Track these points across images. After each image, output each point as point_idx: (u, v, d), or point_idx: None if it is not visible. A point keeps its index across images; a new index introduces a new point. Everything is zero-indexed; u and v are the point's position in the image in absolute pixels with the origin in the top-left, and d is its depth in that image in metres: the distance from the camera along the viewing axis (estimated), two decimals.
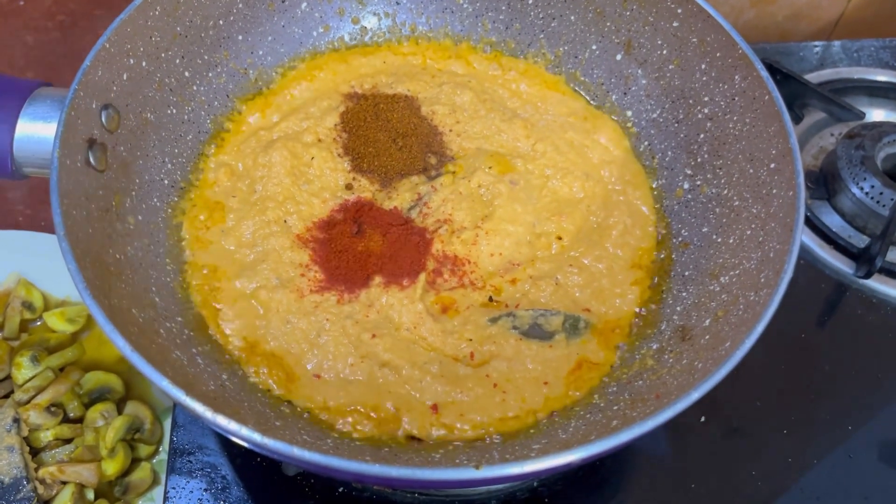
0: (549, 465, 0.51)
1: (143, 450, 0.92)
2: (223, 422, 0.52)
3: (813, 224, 0.95)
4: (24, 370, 0.92)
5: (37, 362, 0.93)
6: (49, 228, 1.08)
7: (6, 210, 1.11)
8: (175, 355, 0.64)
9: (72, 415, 0.92)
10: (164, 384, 0.53)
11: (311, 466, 0.52)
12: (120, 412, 0.93)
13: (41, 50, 1.28)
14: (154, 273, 0.71)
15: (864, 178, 0.93)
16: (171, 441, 0.77)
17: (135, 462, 0.91)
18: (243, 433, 0.52)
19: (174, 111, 0.79)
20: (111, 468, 0.87)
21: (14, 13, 1.31)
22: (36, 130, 0.67)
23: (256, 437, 0.51)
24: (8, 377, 0.94)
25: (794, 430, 0.80)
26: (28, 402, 0.91)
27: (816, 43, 1.15)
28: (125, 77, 0.72)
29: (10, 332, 0.98)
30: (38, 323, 1.01)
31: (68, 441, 0.91)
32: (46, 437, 0.90)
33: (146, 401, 0.95)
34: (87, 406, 0.93)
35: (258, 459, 0.76)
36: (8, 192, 1.12)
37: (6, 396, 0.93)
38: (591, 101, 0.87)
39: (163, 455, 0.93)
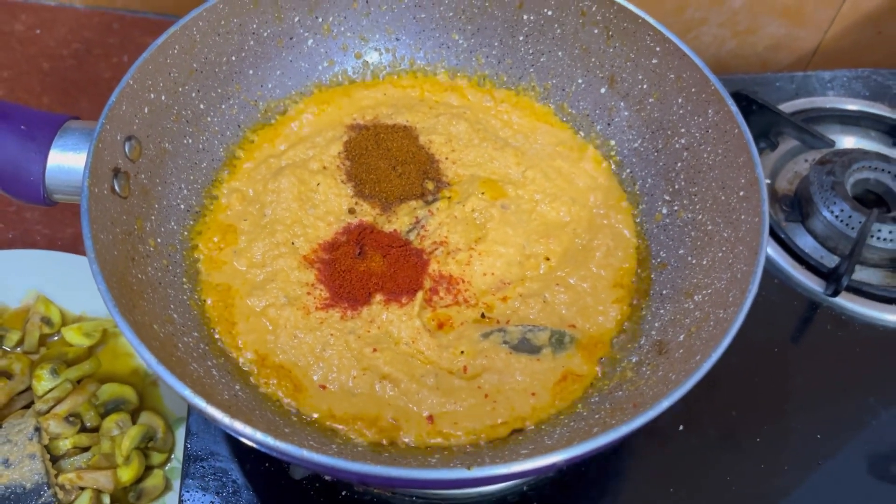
0: (534, 466, 0.56)
1: (156, 457, 0.97)
2: (239, 426, 0.58)
3: (786, 245, 1.01)
4: (44, 382, 0.98)
5: (56, 374, 0.98)
6: (66, 247, 1.14)
7: (25, 230, 1.17)
8: (192, 367, 0.69)
9: (89, 424, 0.98)
10: (187, 393, 0.59)
11: (319, 468, 0.58)
12: (134, 422, 0.98)
13: (57, 76, 1.34)
14: (172, 291, 0.76)
15: (835, 202, 0.99)
16: (185, 448, 0.82)
17: (148, 469, 0.96)
18: (258, 437, 0.57)
19: (190, 141, 0.85)
20: (126, 475, 0.93)
21: (31, 41, 1.38)
22: (66, 161, 0.73)
23: (269, 440, 0.56)
24: (28, 388, 0.99)
25: (767, 440, 0.86)
26: (48, 412, 0.96)
27: (792, 74, 1.21)
28: (146, 110, 0.78)
29: (30, 346, 1.03)
30: (56, 338, 1.06)
31: (86, 449, 0.96)
32: (65, 445, 0.95)
33: (159, 411, 1.01)
34: (103, 416, 0.99)
35: (266, 465, 0.81)
36: (26, 212, 1.18)
37: (27, 407, 0.98)
38: (578, 131, 0.94)
39: (175, 463, 0.98)
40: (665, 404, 0.60)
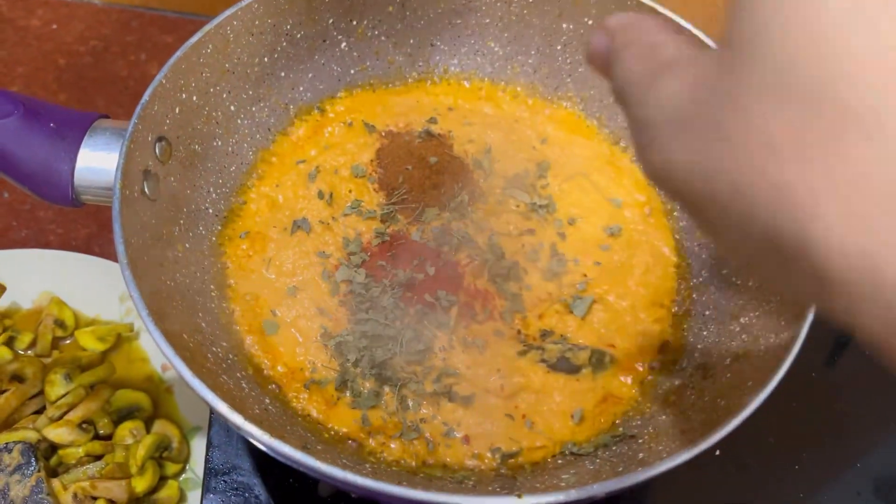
0: (588, 495, 0.54)
1: (170, 468, 0.94)
2: (279, 446, 0.55)
3: None
4: (57, 387, 0.95)
5: (70, 380, 0.95)
6: (79, 248, 1.11)
7: (38, 229, 1.14)
8: (223, 379, 0.67)
9: (101, 432, 0.95)
10: (223, 409, 0.56)
11: (361, 490, 0.55)
12: (147, 430, 0.95)
13: (73, 73, 1.31)
14: (200, 299, 0.74)
15: None
16: (207, 461, 0.80)
17: (162, 480, 0.93)
18: (298, 457, 0.55)
19: (219, 143, 0.82)
20: (140, 485, 0.90)
21: (47, 36, 1.35)
22: (96, 161, 0.70)
23: (312, 462, 0.54)
24: (40, 393, 0.96)
25: (806, 468, 0.83)
26: (60, 417, 0.93)
27: None
28: (177, 111, 0.76)
29: (43, 349, 1.00)
30: (69, 341, 1.04)
31: (98, 457, 0.93)
32: (78, 452, 0.92)
33: (173, 419, 0.98)
34: (116, 423, 0.96)
35: (290, 480, 0.79)
36: (39, 210, 1.15)
37: (38, 412, 0.95)
38: (616, 144, 0.91)
39: (189, 473, 0.95)
40: (721, 433, 0.58)
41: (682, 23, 0.83)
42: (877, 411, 0.89)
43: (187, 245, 0.76)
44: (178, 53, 0.75)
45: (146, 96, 0.71)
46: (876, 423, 0.88)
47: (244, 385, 0.69)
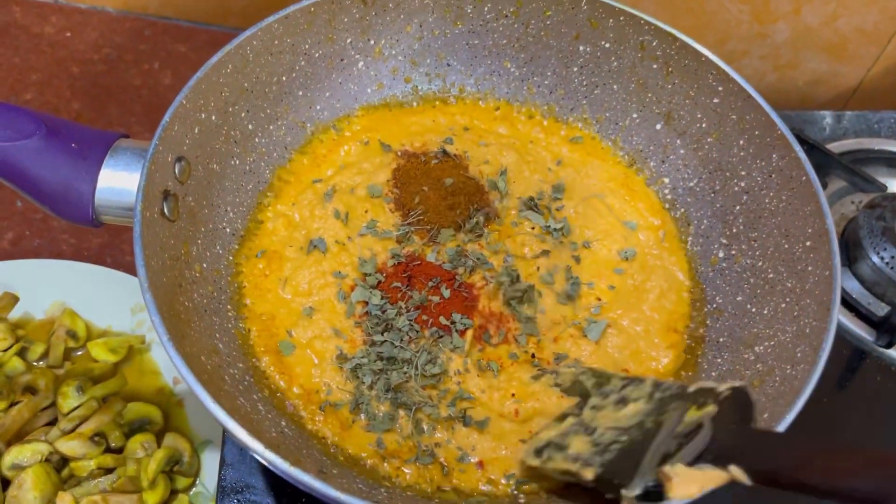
0: None
1: (181, 482, 0.94)
2: (297, 474, 0.55)
3: None
4: (69, 399, 0.95)
5: (82, 392, 0.96)
6: (92, 258, 1.11)
7: (51, 239, 1.14)
8: (240, 402, 0.67)
9: (113, 445, 0.95)
10: (243, 436, 0.56)
11: None
12: (158, 442, 0.96)
13: (86, 81, 1.32)
14: (217, 319, 0.74)
15: (885, 248, 0.97)
16: (220, 479, 0.80)
17: (173, 493, 0.94)
18: (316, 486, 0.55)
19: (237, 162, 0.82)
20: (152, 499, 0.90)
21: (61, 44, 1.36)
22: (117, 182, 0.70)
23: (331, 491, 0.54)
24: (52, 404, 0.97)
25: None
26: (73, 430, 0.93)
27: (838, 112, 1.19)
28: (197, 131, 0.76)
29: (55, 360, 1.01)
30: (81, 352, 1.04)
31: (110, 470, 0.93)
32: (89, 465, 0.92)
33: (184, 433, 0.98)
34: (128, 436, 0.96)
35: (303, 500, 0.79)
36: (52, 220, 1.16)
37: (51, 423, 0.95)
38: (630, 167, 0.92)
39: (199, 487, 0.95)
40: None
41: (696, 46, 0.83)
42: (886, 433, 0.89)
43: (205, 265, 0.76)
44: (199, 74, 0.75)
45: (167, 117, 0.71)
46: (885, 445, 0.89)
47: (261, 407, 0.69)
